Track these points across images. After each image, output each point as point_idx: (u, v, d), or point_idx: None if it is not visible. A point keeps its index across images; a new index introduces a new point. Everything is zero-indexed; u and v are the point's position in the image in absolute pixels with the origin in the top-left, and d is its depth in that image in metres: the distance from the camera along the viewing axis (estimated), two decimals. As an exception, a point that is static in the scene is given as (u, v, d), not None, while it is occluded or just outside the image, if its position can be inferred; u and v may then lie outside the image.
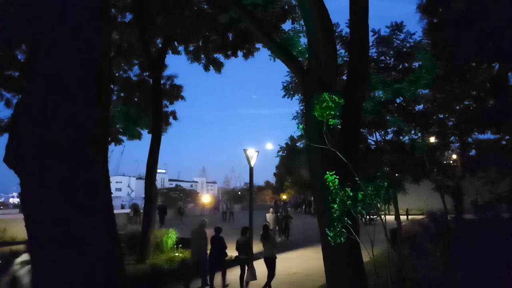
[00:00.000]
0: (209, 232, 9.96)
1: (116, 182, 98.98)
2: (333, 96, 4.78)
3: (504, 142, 13.97)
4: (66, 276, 2.82)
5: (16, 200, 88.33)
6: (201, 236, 9.90)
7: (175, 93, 17.53)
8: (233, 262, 10.83)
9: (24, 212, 3.03)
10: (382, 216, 5.04)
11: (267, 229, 9.89)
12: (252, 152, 15.32)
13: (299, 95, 12.89)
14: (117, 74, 16.53)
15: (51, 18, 3.27)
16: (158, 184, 18.18)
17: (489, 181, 12.36)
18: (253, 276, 9.45)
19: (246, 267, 9.54)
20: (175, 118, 18.17)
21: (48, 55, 3.23)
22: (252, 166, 15.23)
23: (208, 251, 9.73)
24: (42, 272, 2.90)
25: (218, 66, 15.94)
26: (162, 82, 15.90)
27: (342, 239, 4.65)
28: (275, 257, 9.42)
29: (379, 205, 4.79)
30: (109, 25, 4.57)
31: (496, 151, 12.88)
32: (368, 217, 16.43)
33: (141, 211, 22.85)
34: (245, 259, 9.57)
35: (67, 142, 2.98)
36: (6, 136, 13.97)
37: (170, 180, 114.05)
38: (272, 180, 65.01)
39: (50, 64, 3.19)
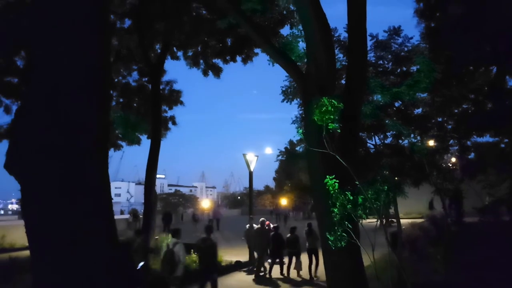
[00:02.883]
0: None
1: (116, 187, 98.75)
2: (333, 100, 4.80)
3: (503, 145, 13.98)
4: (67, 279, 2.81)
5: (15, 207, 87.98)
6: (262, 233, 12.01)
7: (174, 98, 17.56)
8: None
9: (25, 218, 3.03)
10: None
11: (310, 226, 11.83)
12: (251, 157, 15.37)
13: (298, 99, 12.92)
14: (116, 80, 16.56)
15: (51, 25, 3.28)
16: (158, 189, 18.16)
17: (489, 184, 12.35)
18: (299, 266, 11.59)
19: (295, 259, 11.69)
20: (174, 123, 18.17)
21: (48, 61, 3.24)
22: (252, 170, 15.25)
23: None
24: (43, 276, 2.89)
25: (217, 71, 15.99)
26: (161, 88, 15.93)
27: (342, 243, 4.64)
28: (318, 249, 11.00)
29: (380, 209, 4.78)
30: (109, 31, 4.60)
31: (495, 154, 12.89)
32: (385, 220, 16.47)
33: (141, 216, 22.73)
34: (295, 252, 11.68)
35: (67, 147, 2.98)
36: (5, 142, 13.97)
37: (169, 185, 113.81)
38: (272, 184, 64.89)
39: (50, 70, 3.20)
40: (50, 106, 3.07)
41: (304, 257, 11.62)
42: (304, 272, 11.60)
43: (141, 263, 7.76)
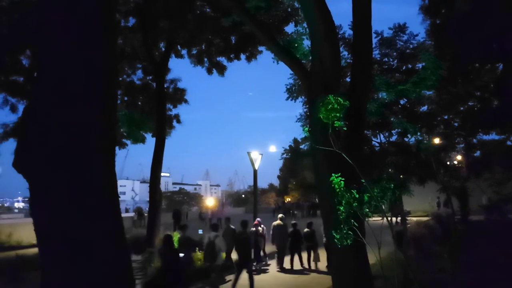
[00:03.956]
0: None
1: (120, 186, 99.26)
2: (338, 98, 4.78)
3: (509, 143, 13.86)
4: (74, 279, 2.82)
5: (21, 205, 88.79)
6: (282, 228, 12.90)
7: (179, 96, 17.58)
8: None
9: (33, 216, 3.04)
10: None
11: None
12: (255, 155, 15.34)
13: (303, 97, 12.88)
14: (120, 78, 16.61)
15: (57, 25, 3.29)
16: (162, 187, 18.20)
17: (495, 182, 12.26)
18: (317, 258, 12.38)
19: (312, 252, 12.53)
20: (178, 121, 18.21)
21: (54, 60, 3.25)
22: (256, 169, 15.22)
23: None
24: (51, 276, 2.91)
25: (221, 69, 15.98)
26: (165, 86, 15.96)
27: (348, 241, 4.63)
28: None
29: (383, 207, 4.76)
30: (115, 31, 4.60)
31: (501, 152, 12.79)
32: (398, 217, 16.59)
33: (145, 214, 22.81)
34: (311, 245, 12.54)
35: (75, 146, 2.99)
36: (11, 140, 14.08)
37: (174, 183, 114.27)
38: (276, 182, 64.94)
39: (57, 70, 3.21)
40: (57, 105, 3.08)
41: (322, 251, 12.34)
42: (321, 265, 12.30)
43: (182, 254, 8.50)
